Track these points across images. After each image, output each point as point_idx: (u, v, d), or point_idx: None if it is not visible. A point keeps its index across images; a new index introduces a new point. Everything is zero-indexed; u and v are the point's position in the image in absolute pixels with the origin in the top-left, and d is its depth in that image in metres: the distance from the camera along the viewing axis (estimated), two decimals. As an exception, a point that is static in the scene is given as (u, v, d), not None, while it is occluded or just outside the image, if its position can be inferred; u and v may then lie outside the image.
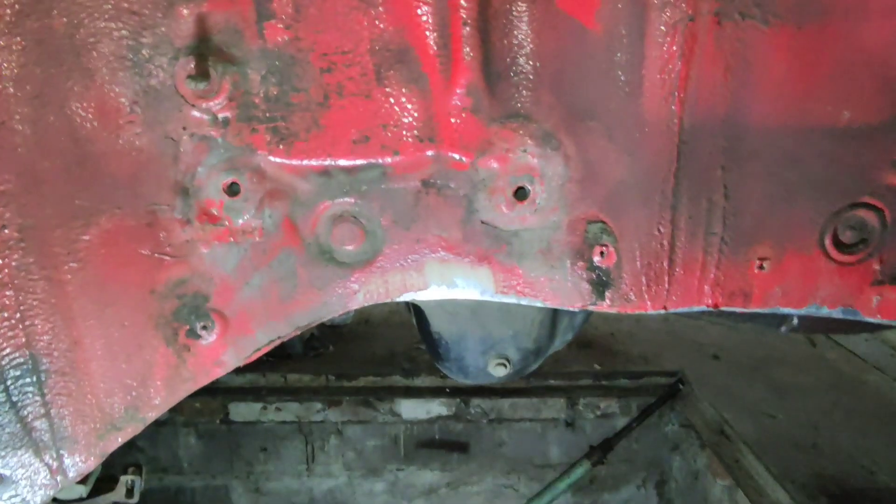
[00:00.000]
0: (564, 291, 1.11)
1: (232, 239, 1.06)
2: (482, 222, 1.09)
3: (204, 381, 1.11)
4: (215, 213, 1.04)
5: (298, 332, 1.16)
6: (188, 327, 1.08)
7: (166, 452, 3.78)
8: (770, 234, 1.07)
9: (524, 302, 1.13)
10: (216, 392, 3.68)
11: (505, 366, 1.66)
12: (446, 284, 1.13)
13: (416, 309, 1.65)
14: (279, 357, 3.94)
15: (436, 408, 3.83)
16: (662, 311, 1.09)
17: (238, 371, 3.82)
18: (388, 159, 1.04)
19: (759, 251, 1.07)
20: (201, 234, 1.05)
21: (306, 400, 3.79)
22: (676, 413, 3.84)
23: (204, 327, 1.08)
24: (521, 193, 1.06)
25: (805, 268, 1.08)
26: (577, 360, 4.03)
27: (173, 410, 3.80)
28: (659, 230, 1.07)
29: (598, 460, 3.54)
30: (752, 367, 4.04)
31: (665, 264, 1.08)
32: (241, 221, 1.05)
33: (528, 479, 4.02)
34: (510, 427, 3.91)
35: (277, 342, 1.15)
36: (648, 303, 1.09)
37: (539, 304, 1.13)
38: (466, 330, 1.62)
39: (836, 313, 1.11)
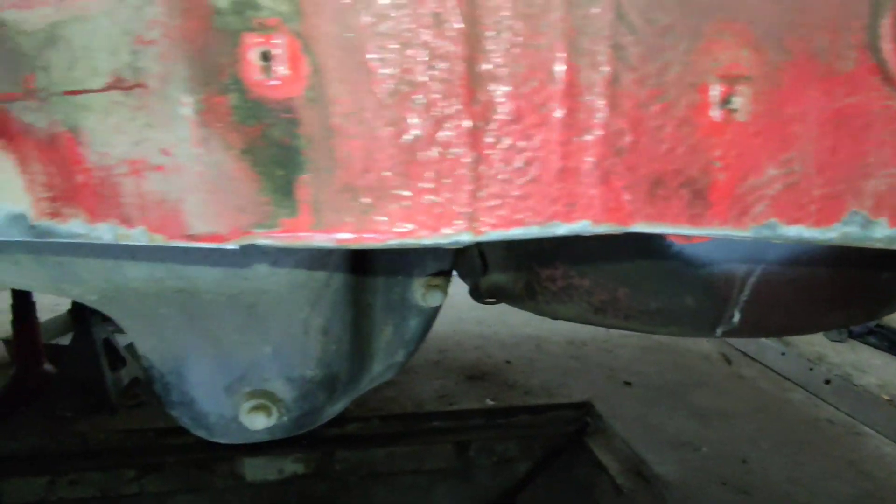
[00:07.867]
0: None
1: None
2: None
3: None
4: None
5: None
6: None
7: None
8: None
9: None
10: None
11: (267, 409, 0.94)
12: None
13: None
14: (78, 411, 2.99)
15: (290, 465, 3.01)
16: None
17: (9, 435, 2.86)
18: None
19: None
20: None
21: (114, 466, 2.85)
22: (588, 452, 3.22)
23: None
24: None
25: None
26: (466, 396, 3.34)
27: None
28: None
29: (496, 519, 2.88)
30: (669, 392, 3.51)
31: None
32: None
33: (414, 546, 3.25)
34: (387, 483, 3.14)
35: None
36: None
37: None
38: (186, 349, 0.88)
39: None
